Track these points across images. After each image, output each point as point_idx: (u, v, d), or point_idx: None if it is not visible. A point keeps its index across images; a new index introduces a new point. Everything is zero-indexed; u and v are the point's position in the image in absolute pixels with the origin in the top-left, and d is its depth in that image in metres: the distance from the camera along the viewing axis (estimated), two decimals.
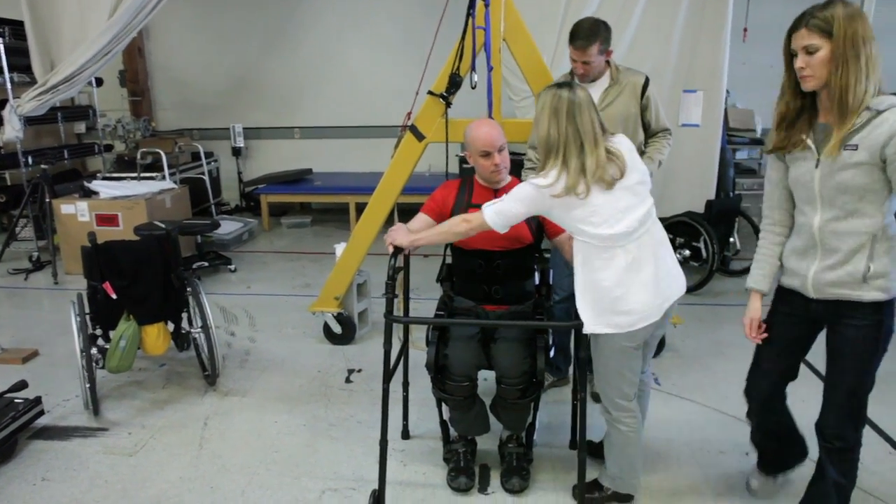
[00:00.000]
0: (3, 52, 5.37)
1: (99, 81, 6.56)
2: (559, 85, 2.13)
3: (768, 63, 6.58)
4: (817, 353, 3.44)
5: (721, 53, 4.48)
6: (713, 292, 4.74)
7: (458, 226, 2.27)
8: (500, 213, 2.15)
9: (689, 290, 4.61)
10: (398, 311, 2.78)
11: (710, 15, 4.40)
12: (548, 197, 2.06)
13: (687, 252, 4.70)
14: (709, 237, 4.55)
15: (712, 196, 4.85)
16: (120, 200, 5.09)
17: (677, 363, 3.63)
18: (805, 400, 2.50)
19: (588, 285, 2.15)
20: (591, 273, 2.12)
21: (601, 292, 2.11)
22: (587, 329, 2.16)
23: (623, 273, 2.08)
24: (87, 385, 3.01)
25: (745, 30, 6.14)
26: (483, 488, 2.54)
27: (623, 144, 2.15)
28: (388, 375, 2.36)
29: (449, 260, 2.83)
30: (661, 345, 3.74)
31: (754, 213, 5.46)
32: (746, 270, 4.97)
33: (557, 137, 2.06)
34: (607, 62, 2.93)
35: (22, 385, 3.03)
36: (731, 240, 5.10)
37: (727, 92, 4.86)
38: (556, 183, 2.05)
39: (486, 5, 3.11)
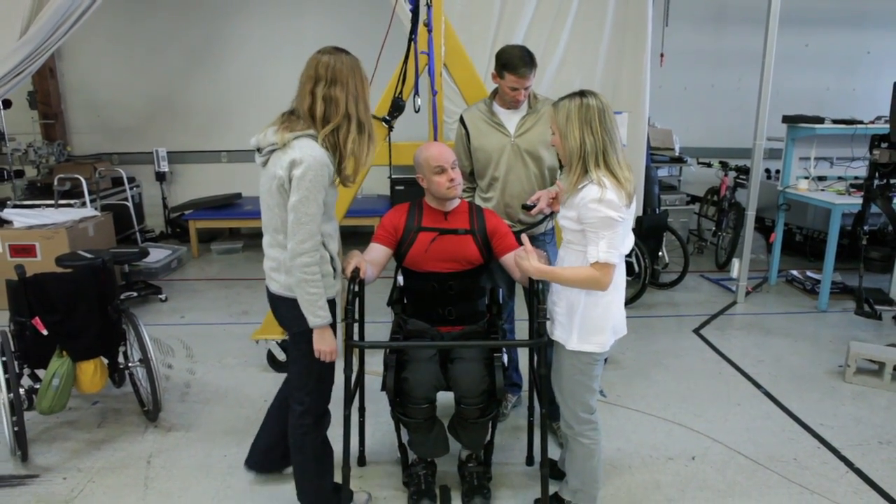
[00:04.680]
0: None
1: (7, 103, 6.16)
2: (581, 94, 2.13)
3: (682, 86, 7.13)
4: (771, 376, 3.58)
5: (643, 76, 4.72)
6: (646, 305, 4.95)
7: (594, 282, 2.14)
8: (613, 248, 2.08)
9: (624, 304, 4.83)
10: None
11: (631, 41, 4.63)
12: (623, 208, 2.07)
13: None
14: (640, 252, 4.76)
15: (640, 212, 5.08)
16: (37, 230, 4.79)
17: (620, 375, 3.76)
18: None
19: (591, 303, 2.20)
20: (596, 291, 2.18)
21: (601, 309, 2.19)
22: (573, 346, 2.22)
23: (619, 290, 2.20)
24: (15, 429, 2.80)
25: (662, 55, 6.53)
26: None
27: None
28: (348, 401, 2.33)
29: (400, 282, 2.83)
30: (605, 358, 3.87)
31: (677, 228, 5.77)
32: (675, 283, 5.29)
33: (594, 144, 2.08)
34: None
35: None
36: (660, 254, 5.35)
37: None
38: (619, 191, 2.06)
39: (429, 31, 3.17)
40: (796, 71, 7.02)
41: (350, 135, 2.08)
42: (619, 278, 2.25)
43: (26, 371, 2.95)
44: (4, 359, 2.81)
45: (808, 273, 5.41)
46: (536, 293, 2.34)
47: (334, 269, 2.22)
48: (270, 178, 2.07)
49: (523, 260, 2.24)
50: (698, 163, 6.50)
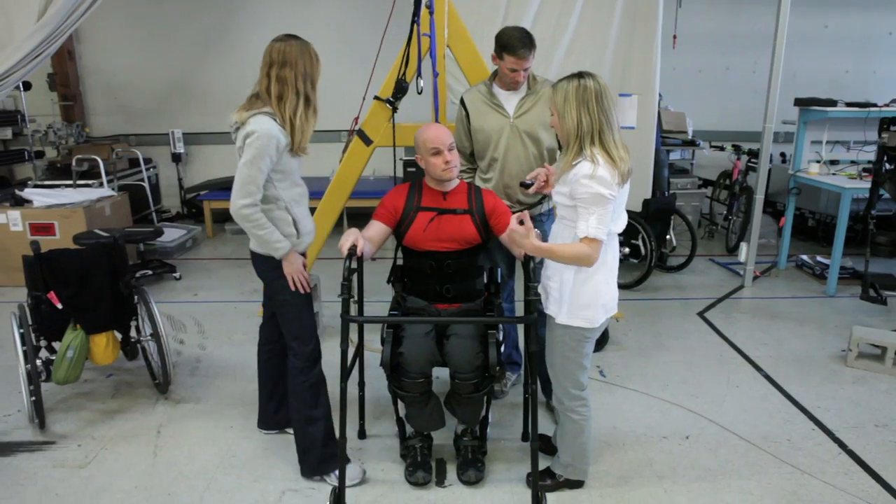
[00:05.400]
0: None
1: (27, 85, 6.30)
2: (579, 75, 2.16)
3: (696, 68, 7.05)
4: (772, 359, 3.59)
5: (653, 59, 4.70)
6: (652, 287, 4.97)
7: (584, 257, 2.18)
8: (603, 224, 2.13)
9: (629, 286, 4.85)
10: (353, 312, 2.83)
11: (641, 23, 4.61)
12: (615, 186, 2.12)
13: (626, 249, 4.91)
14: (647, 235, 4.77)
15: (648, 195, 5.08)
16: (56, 209, 4.92)
17: (620, 355, 3.80)
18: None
19: (582, 280, 2.24)
20: (587, 268, 2.22)
21: (591, 285, 2.24)
22: (563, 320, 2.28)
23: (611, 269, 2.25)
24: (32, 398, 2.93)
25: (675, 37, 6.47)
26: (440, 481, 2.62)
27: None
28: (345, 374, 2.40)
29: (399, 261, 2.90)
30: (605, 339, 3.91)
31: (688, 212, 5.75)
32: (682, 266, 5.29)
33: (591, 124, 2.13)
34: None
35: None
36: (668, 237, 5.35)
37: (660, 96, 5.11)
38: (612, 169, 2.11)
39: (431, 13, 3.21)
40: (815, 53, 6.92)
41: (298, 109, 2.35)
42: (612, 257, 2.29)
43: (43, 343, 3.07)
44: (22, 331, 2.93)
45: (818, 258, 5.38)
46: (528, 273, 2.39)
47: (298, 231, 2.47)
48: (236, 151, 2.33)
49: (524, 238, 2.22)
50: (711, 146, 6.45)
